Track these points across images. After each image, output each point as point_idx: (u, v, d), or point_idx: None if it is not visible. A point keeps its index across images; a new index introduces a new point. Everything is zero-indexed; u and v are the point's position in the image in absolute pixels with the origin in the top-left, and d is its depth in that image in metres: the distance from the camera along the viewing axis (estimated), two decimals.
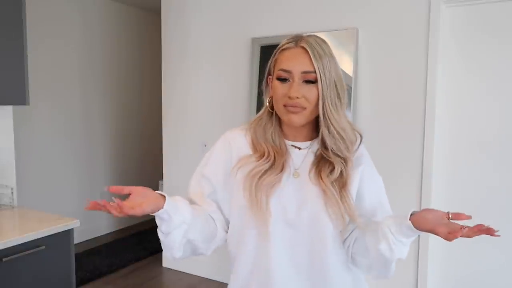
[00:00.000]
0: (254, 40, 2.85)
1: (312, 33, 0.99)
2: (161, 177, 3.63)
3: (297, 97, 0.94)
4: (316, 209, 0.97)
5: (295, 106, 0.95)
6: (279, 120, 1.04)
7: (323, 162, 0.99)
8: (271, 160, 1.00)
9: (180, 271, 3.33)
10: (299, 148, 1.04)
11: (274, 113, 1.03)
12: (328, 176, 0.97)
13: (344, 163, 0.98)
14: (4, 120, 2.23)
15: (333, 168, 0.98)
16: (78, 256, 3.44)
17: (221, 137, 1.10)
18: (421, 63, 2.32)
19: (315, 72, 0.93)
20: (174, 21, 3.24)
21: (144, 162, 4.72)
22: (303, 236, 0.99)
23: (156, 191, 0.90)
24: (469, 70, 2.26)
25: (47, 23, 3.63)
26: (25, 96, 2.01)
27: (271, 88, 1.02)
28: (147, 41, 4.62)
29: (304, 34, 0.99)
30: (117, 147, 4.43)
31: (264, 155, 1.01)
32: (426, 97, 2.30)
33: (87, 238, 4.07)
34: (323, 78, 0.93)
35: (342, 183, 0.98)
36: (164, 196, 0.89)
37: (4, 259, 1.63)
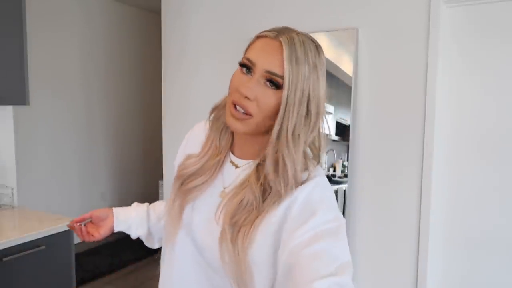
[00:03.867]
0: None
1: (312, 33, 0.83)
2: (161, 177, 3.63)
3: (246, 97, 0.73)
4: (215, 251, 0.77)
5: (242, 111, 0.75)
6: None
7: (242, 188, 0.78)
8: (204, 161, 0.85)
9: None
10: (237, 166, 0.84)
11: None
12: (237, 207, 0.76)
13: (259, 195, 0.76)
14: (4, 120, 2.23)
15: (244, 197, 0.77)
16: (78, 256, 3.44)
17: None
18: (421, 63, 2.31)
19: (282, 77, 0.72)
20: (174, 21, 3.24)
21: (144, 162, 4.72)
22: (208, 265, 0.82)
23: (111, 208, 1.05)
24: (469, 69, 2.26)
25: (48, 23, 3.63)
26: (25, 96, 2.01)
27: None
28: (148, 41, 4.62)
29: (299, 30, 0.79)
30: (117, 147, 4.43)
31: (201, 153, 0.86)
32: (426, 97, 2.30)
33: None
34: (291, 88, 0.71)
35: (249, 220, 0.75)
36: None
37: (4, 259, 1.63)
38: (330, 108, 2.51)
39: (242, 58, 0.78)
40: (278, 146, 0.73)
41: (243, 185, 0.78)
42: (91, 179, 4.16)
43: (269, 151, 0.75)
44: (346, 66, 2.48)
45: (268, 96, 0.73)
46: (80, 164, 4.04)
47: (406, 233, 2.41)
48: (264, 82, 0.74)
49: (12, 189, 2.18)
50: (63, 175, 3.87)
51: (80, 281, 3.08)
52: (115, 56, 4.31)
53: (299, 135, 0.74)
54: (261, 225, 0.74)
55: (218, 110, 0.88)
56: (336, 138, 2.50)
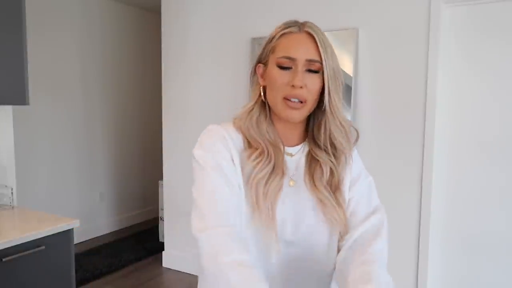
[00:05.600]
0: (254, 39, 2.85)
1: None
2: (161, 177, 3.63)
3: (301, 87, 0.84)
4: (314, 222, 0.90)
5: (297, 100, 0.85)
6: (271, 114, 0.94)
7: (314, 163, 0.92)
8: (272, 160, 0.89)
9: (180, 271, 3.33)
10: (291, 155, 0.94)
11: (267, 104, 0.92)
12: (320, 179, 0.90)
13: (334, 161, 0.91)
14: (4, 120, 2.23)
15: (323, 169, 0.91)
16: (78, 256, 3.44)
17: (210, 131, 0.94)
18: (421, 62, 2.31)
19: (320, 61, 0.85)
20: (174, 21, 3.24)
21: (144, 162, 4.72)
22: (301, 254, 0.90)
23: None
24: (469, 69, 2.26)
25: (47, 23, 3.63)
26: (25, 96, 2.01)
27: (261, 77, 0.92)
28: (148, 40, 4.61)
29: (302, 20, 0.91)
30: (117, 147, 4.42)
31: (262, 154, 0.89)
32: (426, 97, 2.30)
33: (87, 238, 4.07)
34: (328, 67, 0.85)
35: (334, 185, 0.91)
36: None
37: (4, 259, 1.63)
38: None
39: (276, 59, 0.87)
40: (330, 117, 0.88)
41: (312, 162, 0.92)
42: (90, 179, 4.16)
43: (326, 124, 0.89)
44: (346, 66, 2.47)
45: (314, 80, 0.86)
46: (79, 164, 4.03)
47: (407, 233, 2.41)
48: (306, 70, 0.85)
49: (12, 189, 2.18)
50: (63, 175, 3.87)
51: (80, 281, 3.08)
52: (115, 55, 4.31)
53: (338, 102, 0.89)
54: (345, 185, 0.93)
55: (247, 114, 0.93)
56: None
